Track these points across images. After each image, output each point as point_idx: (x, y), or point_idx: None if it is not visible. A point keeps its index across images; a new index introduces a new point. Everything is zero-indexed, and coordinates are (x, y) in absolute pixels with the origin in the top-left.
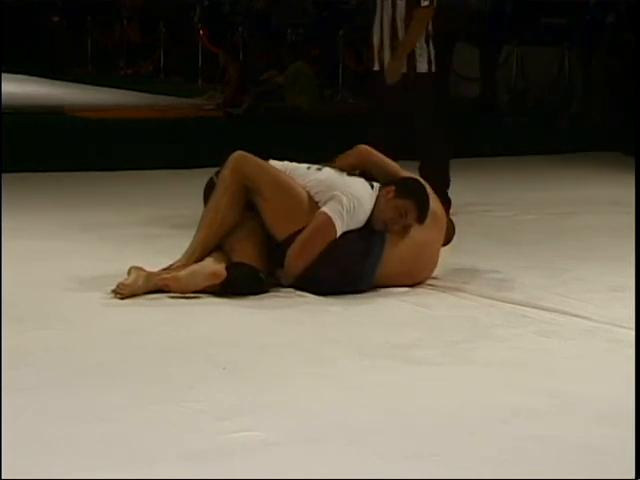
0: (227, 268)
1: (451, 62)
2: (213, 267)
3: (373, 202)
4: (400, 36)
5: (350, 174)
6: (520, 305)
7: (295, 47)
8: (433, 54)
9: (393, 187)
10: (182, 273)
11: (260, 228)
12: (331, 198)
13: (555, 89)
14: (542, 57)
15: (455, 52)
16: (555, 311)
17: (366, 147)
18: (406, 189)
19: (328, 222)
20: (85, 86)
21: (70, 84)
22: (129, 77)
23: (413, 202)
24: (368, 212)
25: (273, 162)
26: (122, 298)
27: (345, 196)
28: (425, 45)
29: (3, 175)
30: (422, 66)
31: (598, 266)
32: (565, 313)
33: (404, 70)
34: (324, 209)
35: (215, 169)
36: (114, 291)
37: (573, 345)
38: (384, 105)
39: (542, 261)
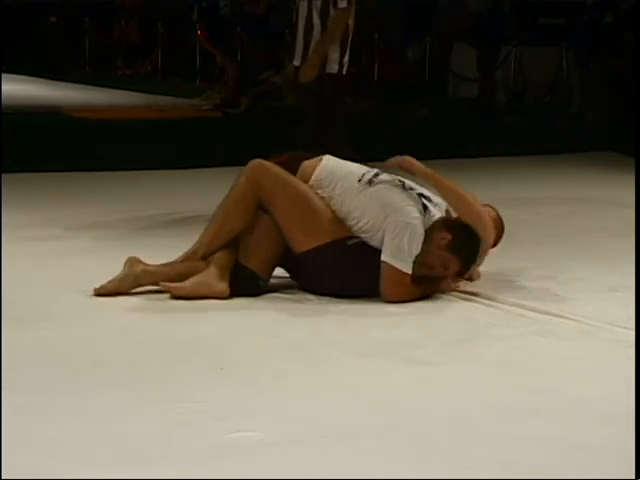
0: (230, 273)
1: (449, 63)
2: (218, 287)
3: (424, 228)
4: (314, 35)
5: (403, 184)
6: (519, 305)
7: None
8: (347, 56)
9: (450, 236)
10: (187, 283)
11: (276, 232)
12: (387, 234)
13: (553, 89)
14: (540, 57)
15: (454, 53)
16: (554, 311)
17: (408, 158)
18: (461, 244)
19: (396, 275)
20: (83, 86)
21: (68, 84)
22: (127, 77)
23: (461, 261)
24: (422, 236)
25: (329, 159)
26: (100, 294)
27: (401, 228)
28: (339, 46)
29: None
30: (332, 67)
31: (597, 266)
32: (564, 313)
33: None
34: (385, 259)
35: (213, 169)
36: (96, 289)
37: (572, 345)
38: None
39: (541, 261)
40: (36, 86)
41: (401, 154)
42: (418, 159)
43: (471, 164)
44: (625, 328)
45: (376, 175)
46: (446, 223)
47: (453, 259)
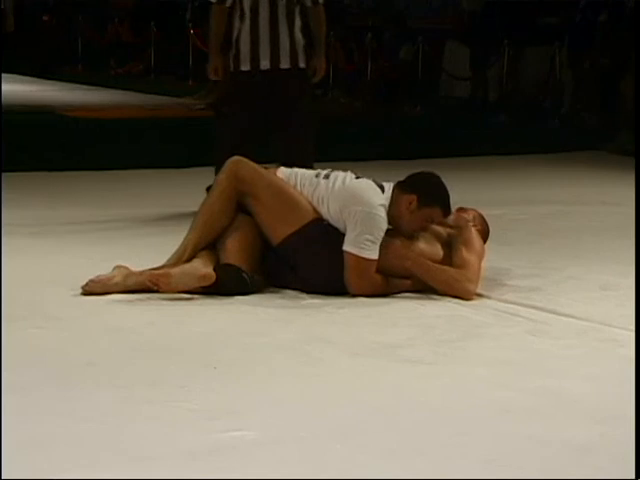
0: (215, 270)
1: (441, 61)
2: (203, 270)
3: (387, 206)
4: (282, 36)
5: (358, 176)
6: (511, 304)
7: None
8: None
9: (415, 197)
10: (173, 270)
11: (254, 230)
12: (348, 224)
13: (546, 88)
14: (534, 57)
15: (447, 51)
16: (546, 310)
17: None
18: (428, 194)
19: (358, 262)
20: (76, 85)
21: (60, 83)
22: (120, 76)
23: (439, 205)
24: (385, 217)
25: (283, 169)
26: (87, 293)
27: (361, 218)
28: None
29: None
30: (303, 61)
31: (590, 265)
32: (556, 312)
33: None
34: (346, 248)
35: (206, 168)
36: (83, 287)
37: (565, 344)
38: (255, 105)
39: (533, 260)
40: (27, 85)
41: (397, 154)
42: (412, 158)
43: (464, 163)
44: (618, 327)
45: (331, 171)
46: (401, 187)
47: (432, 210)
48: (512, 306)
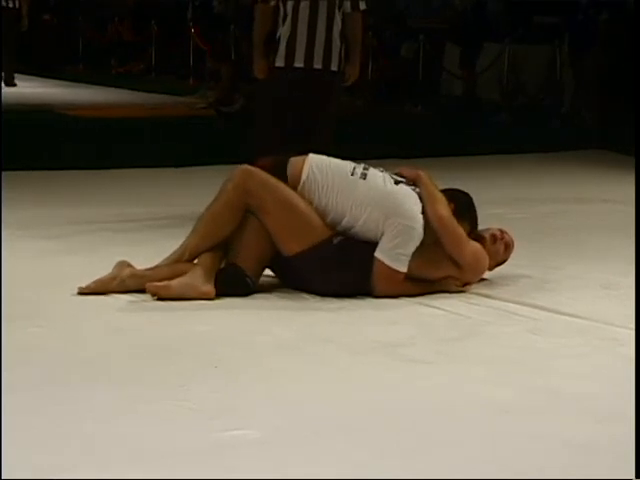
0: (216, 276)
1: (442, 60)
2: (204, 288)
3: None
4: (318, 37)
5: (397, 182)
6: (511, 303)
7: None
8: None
9: (453, 206)
10: (174, 283)
11: (267, 235)
12: (387, 233)
13: (547, 88)
14: (534, 56)
15: (447, 50)
16: (547, 309)
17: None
18: (464, 211)
19: (389, 272)
20: (77, 84)
21: (61, 82)
22: (121, 75)
23: (469, 223)
24: (422, 231)
25: (313, 157)
26: (87, 293)
27: (402, 231)
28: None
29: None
30: (335, 65)
31: (590, 264)
32: (557, 311)
33: (334, 68)
34: (379, 256)
35: (207, 168)
36: (83, 287)
37: (565, 343)
38: (291, 104)
39: (533, 259)
40: (27, 84)
41: (397, 153)
42: (412, 157)
43: (464, 162)
44: (618, 326)
45: (366, 169)
46: (445, 196)
47: (461, 223)
48: (513, 305)
